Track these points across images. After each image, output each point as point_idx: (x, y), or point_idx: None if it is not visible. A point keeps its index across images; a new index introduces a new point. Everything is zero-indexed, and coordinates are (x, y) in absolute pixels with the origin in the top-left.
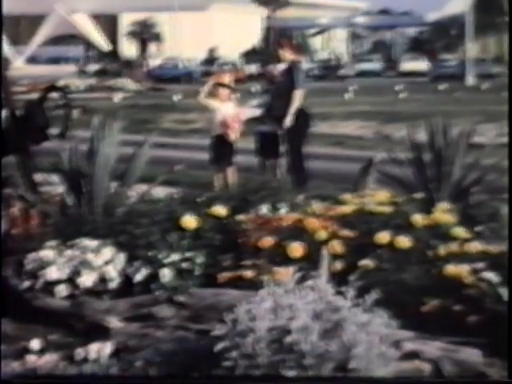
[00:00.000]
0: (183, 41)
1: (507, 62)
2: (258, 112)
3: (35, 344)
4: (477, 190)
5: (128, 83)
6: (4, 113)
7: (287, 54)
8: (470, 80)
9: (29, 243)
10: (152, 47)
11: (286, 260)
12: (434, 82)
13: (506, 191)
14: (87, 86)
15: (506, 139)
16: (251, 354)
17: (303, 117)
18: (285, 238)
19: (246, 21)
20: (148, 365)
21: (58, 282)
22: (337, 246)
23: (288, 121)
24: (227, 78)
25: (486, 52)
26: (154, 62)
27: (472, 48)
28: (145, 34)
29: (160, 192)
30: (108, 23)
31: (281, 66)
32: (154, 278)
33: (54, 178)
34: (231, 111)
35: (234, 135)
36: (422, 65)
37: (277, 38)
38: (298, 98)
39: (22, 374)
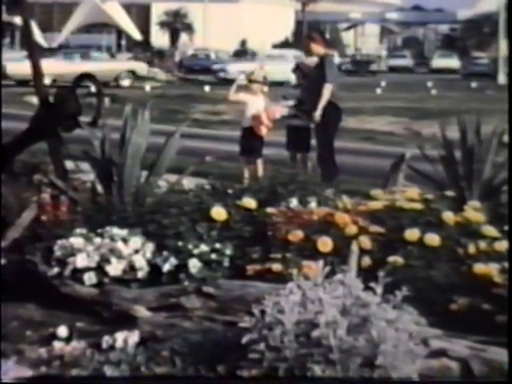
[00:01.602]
0: (215, 32)
1: None
2: (292, 111)
3: (62, 331)
4: (507, 189)
5: (159, 73)
6: (35, 100)
7: (319, 48)
8: (502, 78)
9: (58, 230)
10: (184, 37)
11: (315, 254)
12: (466, 79)
13: None
14: None
15: None
16: (278, 346)
17: (334, 111)
18: (314, 232)
19: (277, 14)
20: (174, 355)
21: (86, 269)
22: (366, 242)
23: (318, 115)
24: (259, 72)
25: None
26: (185, 53)
27: (505, 46)
28: (177, 24)
29: (190, 182)
30: (140, 12)
31: (315, 60)
32: (182, 268)
33: (85, 165)
34: (264, 106)
35: (264, 130)
36: (453, 62)
37: (309, 31)
38: (327, 92)
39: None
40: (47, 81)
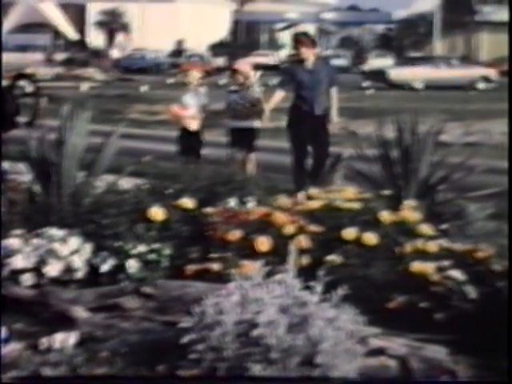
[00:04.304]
0: (151, 32)
1: (473, 60)
2: (203, 98)
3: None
4: (443, 188)
5: (95, 73)
6: None
7: (309, 52)
8: None
9: None
10: (120, 37)
11: (254, 254)
12: None
13: (470, 190)
14: (54, 74)
15: (471, 138)
16: (218, 346)
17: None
18: (252, 232)
19: (213, 14)
20: (114, 355)
21: (23, 270)
22: (304, 241)
23: (335, 118)
24: (195, 74)
25: (454, 51)
26: (121, 53)
27: (440, 46)
28: (113, 23)
29: (127, 183)
30: (76, 12)
31: (243, 61)
32: (120, 268)
33: (22, 166)
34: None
35: (192, 124)
36: (389, 62)
37: (296, 34)
38: (337, 96)
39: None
40: (420, 85)
